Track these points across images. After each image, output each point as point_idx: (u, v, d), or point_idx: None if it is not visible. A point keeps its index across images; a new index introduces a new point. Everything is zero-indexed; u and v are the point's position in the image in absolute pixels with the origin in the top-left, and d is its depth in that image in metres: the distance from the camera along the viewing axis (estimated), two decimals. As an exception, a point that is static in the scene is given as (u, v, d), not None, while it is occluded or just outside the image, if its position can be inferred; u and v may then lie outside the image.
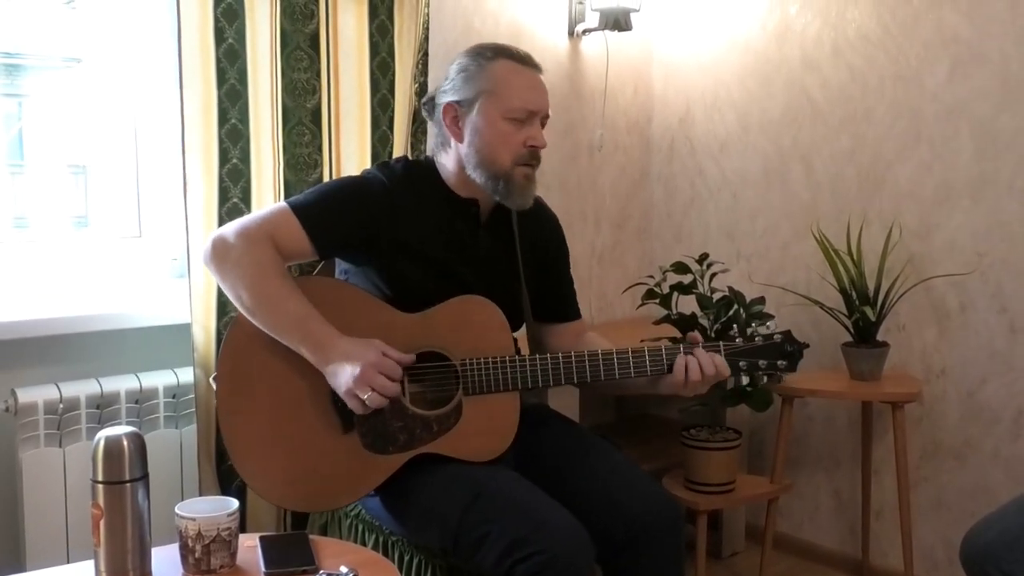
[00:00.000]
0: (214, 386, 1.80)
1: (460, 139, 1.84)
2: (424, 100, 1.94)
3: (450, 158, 1.87)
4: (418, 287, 1.81)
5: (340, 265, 1.93)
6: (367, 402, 1.67)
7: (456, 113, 1.84)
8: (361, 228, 1.80)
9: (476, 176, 1.83)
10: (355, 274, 1.88)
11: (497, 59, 1.83)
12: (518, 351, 1.86)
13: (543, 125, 1.86)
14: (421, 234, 1.82)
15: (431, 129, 1.95)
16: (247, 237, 1.74)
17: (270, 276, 1.72)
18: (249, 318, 1.73)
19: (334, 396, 1.75)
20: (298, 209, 1.78)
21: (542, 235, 2.01)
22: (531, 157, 1.83)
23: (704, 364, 1.78)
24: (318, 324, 1.70)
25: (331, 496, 1.78)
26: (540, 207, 2.03)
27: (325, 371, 1.70)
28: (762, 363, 1.82)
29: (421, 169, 1.90)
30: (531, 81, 1.84)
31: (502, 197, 1.83)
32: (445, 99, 1.85)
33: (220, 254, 1.75)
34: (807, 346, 1.87)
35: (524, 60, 1.85)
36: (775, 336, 1.83)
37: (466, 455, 1.76)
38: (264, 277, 1.72)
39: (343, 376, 1.67)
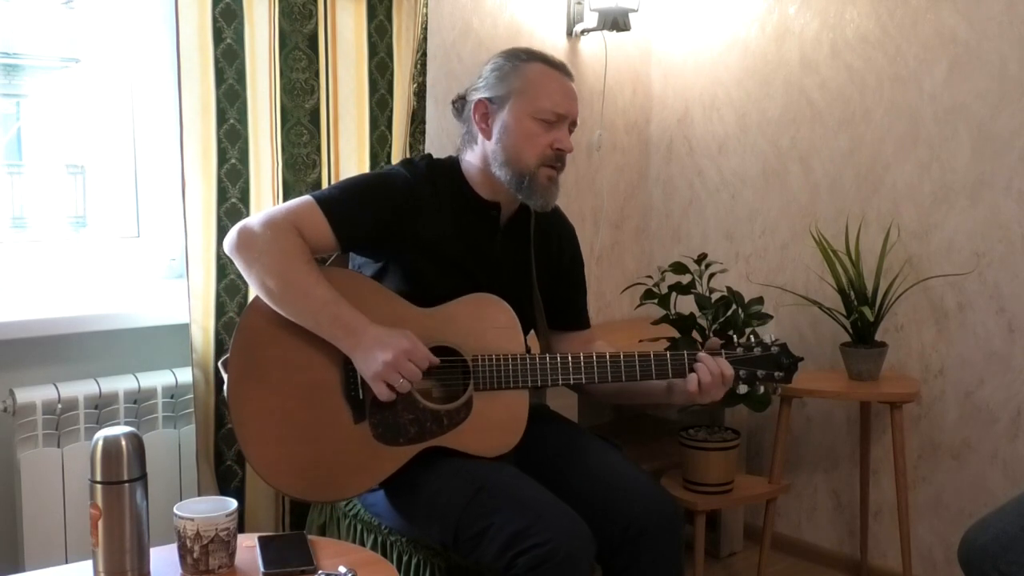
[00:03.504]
0: (222, 371, 1.80)
1: (488, 136, 1.86)
2: (454, 99, 1.96)
3: (476, 155, 1.89)
4: (432, 284, 1.83)
5: (354, 260, 1.94)
6: (399, 388, 1.69)
7: (487, 110, 1.87)
8: (383, 223, 1.82)
9: (501, 174, 1.85)
10: (369, 268, 1.89)
11: (532, 62, 1.87)
12: (528, 350, 1.87)
13: (570, 131, 1.89)
14: (440, 232, 1.84)
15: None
16: (274, 226, 1.75)
17: (298, 263, 1.73)
18: (274, 306, 1.74)
19: (346, 386, 1.76)
20: (323, 202, 1.79)
21: (558, 244, 2.04)
22: (556, 159, 1.85)
23: (711, 366, 1.80)
24: (348, 309, 1.72)
25: (338, 486, 1.77)
26: (558, 216, 2.07)
27: (355, 355, 1.71)
28: (760, 373, 1.86)
29: (444, 168, 1.92)
30: (563, 86, 1.87)
31: (524, 196, 1.86)
32: (477, 96, 1.88)
33: (246, 242, 1.75)
34: (802, 359, 1.91)
35: (558, 66, 1.89)
36: (772, 348, 1.87)
37: (474, 450, 1.77)
38: (292, 264, 1.73)
39: (374, 362, 1.68)
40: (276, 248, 1.74)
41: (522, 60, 1.87)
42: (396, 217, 1.82)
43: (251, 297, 1.80)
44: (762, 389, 1.88)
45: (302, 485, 1.78)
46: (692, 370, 1.82)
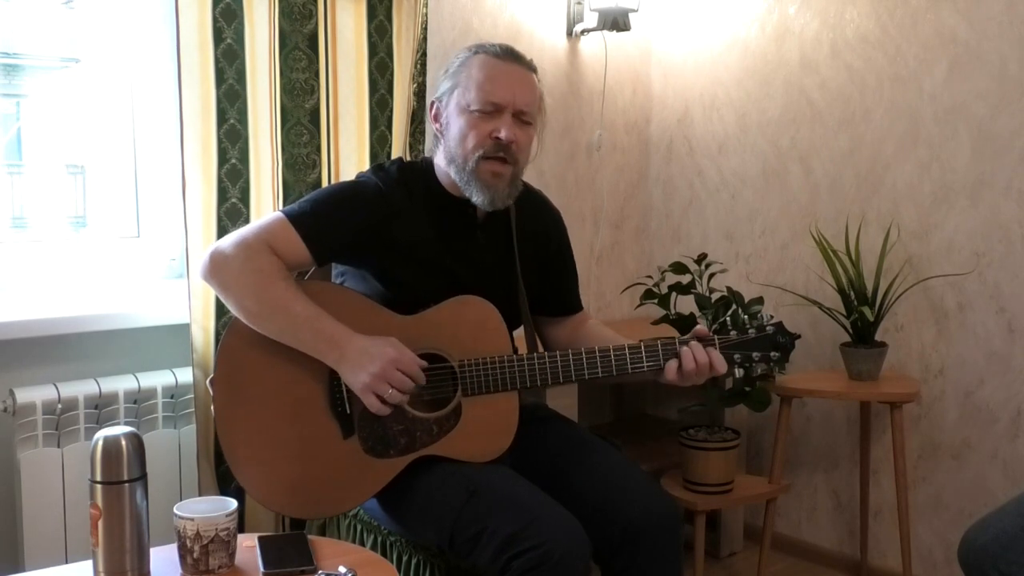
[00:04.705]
0: (210, 390, 1.79)
1: (441, 134, 1.85)
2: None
3: (441, 156, 1.87)
4: (414, 289, 1.81)
5: (336, 267, 1.93)
6: (388, 399, 1.67)
7: (437, 109, 1.86)
8: (357, 233, 1.80)
9: (451, 171, 1.82)
10: (352, 276, 1.88)
11: (476, 54, 1.83)
12: (515, 350, 1.85)
13: (525, 122, 1.82)
14: (416, 236, 1.82)
15: (427, 127, 1.94)
16: (246, 246, 1.73)
17: (274, 281, 1.71)
18: (254, 326, 1.72)
19: (333, 402, 1.75)
20: (294, 218, 1.77)
21: (543, 230, 2.01)
22: (496, 149, 1.78)
23: (697, 355, 1.77)
24: (330, 323, 1.70)
25: (333, 503, 1.77)
26: (541, 202, 2.04)
27: (341, 368, 1.69)
28: (755, 355, 1.81)
29: (417, 170, 1.89)
30: (502, 74, 1.80)
31: (469, 193, 1.81)
32: (431, 97, 1.88)
33: (219, 266, 1.74)
34: (798, 336, 1.87)
35: (500, 54, 1.82)
36: (767, 328, 1.83)
37: (467, 456, 1.75)
38: (268, 283, 1.71)
39: (362, 374, 1.67)
40: (251, 268, 1.71)
41: (468, 55, 1.84)
42: (370, 225, 1.79)
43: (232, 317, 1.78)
44: (759, 371, 1.84)
45: (297, 505, 1.77)
46: (678, 356, 1.78)
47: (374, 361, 1.66)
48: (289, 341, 1.71)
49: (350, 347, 1.68)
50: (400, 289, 1.81)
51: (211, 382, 1.79)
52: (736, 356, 1.81)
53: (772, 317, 1.87)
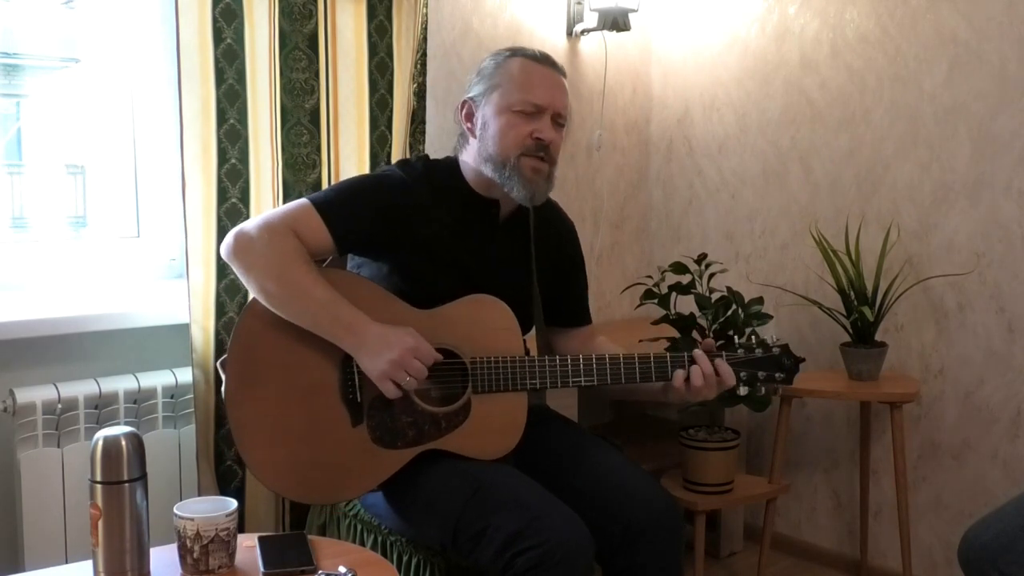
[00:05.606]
0: (221, 372, 1.80)
1: (473, 134, 1.88)
2: (457, 105, 1.97)
3: (470, 155, 1.90)
4: (431, 284, 1.83)
5: (353, 260, 1.94)
6: (405, 386, 1.69)
7: (470, 108, 1.89)
8: (379, 224, 1.82)
9: (486, 170, 1.85)
10: (368, 267, 1.89)
11: (512, 57, 1.88)
12: (527, 352, 1.87)
13: (561, 126, 1.88)
14: (437, 232, 1.84)
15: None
16: (270, 229, 1.75)
17: (297, 264, 1.73)
18: (274, 308, 1.73)
19: (344, 389, 1.76)
20: (319, 205, 1.79)
21: (559, 241, 2.04)
22: (538, 148, 1.83)
23: (706, 370, 1.79)
24: (348, 309, 1.72)
25: (336, 489, 1.78)
26: (558, 213, 2.07)
27: (359, 355, 1.71)
28: (761, 374, 1.85)
29: (442, 167, 1.92)
30: (542, 78, 1.86)
31: (509, 188, 1.84)
32: (463, 97, 1.90)
33: (243, 247, 1.76)
34: (803, 360, 1.90)
35: (538, 58, 1.88)
36: (774, 349, 1.86)
37: (473, 453, 1.77)
38: (291, 266, 1.73)
39: (379, 360, 1.68)
40: (274, 251, 1.73)
41: (504, 57, 1.88)
42: (392, 218, 1.82)
43: (250, 298, 1.79)
44: (763, 390, 1.87)
45: (300, 488, 1.78)
46: (685, 367, 1.81)
47: (392, 348, 1.68)
48: (307, 325, 1.73)
49: (369, 334, 1.70)
50: (415, 283, 1.83)
51: (222, 363, 1.80)
52: (742, 374, 1.84)
53: (777, 339, 1.89)
